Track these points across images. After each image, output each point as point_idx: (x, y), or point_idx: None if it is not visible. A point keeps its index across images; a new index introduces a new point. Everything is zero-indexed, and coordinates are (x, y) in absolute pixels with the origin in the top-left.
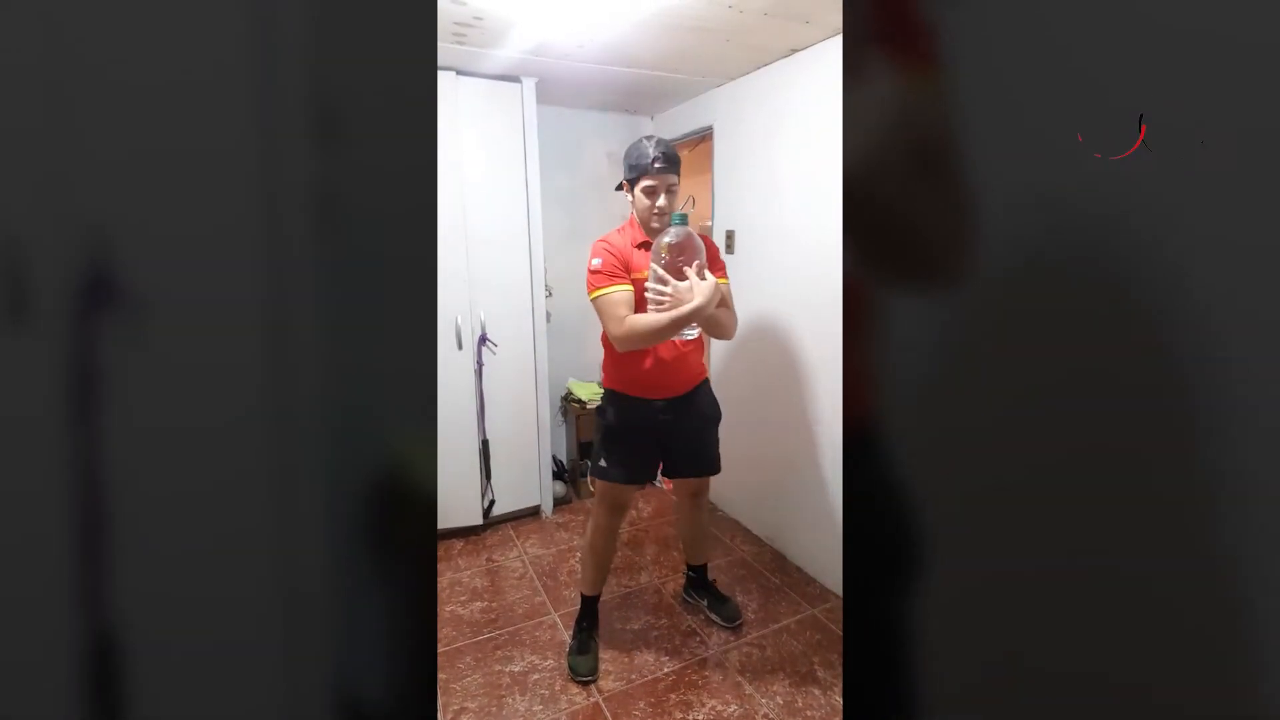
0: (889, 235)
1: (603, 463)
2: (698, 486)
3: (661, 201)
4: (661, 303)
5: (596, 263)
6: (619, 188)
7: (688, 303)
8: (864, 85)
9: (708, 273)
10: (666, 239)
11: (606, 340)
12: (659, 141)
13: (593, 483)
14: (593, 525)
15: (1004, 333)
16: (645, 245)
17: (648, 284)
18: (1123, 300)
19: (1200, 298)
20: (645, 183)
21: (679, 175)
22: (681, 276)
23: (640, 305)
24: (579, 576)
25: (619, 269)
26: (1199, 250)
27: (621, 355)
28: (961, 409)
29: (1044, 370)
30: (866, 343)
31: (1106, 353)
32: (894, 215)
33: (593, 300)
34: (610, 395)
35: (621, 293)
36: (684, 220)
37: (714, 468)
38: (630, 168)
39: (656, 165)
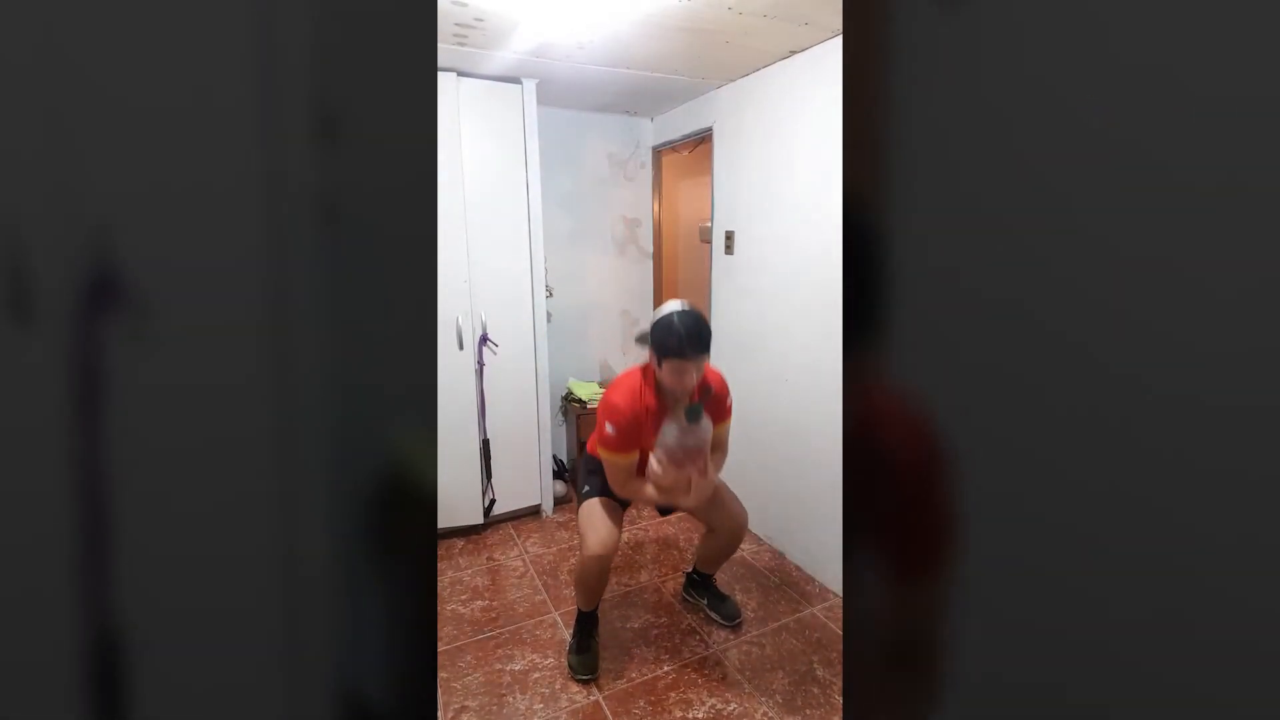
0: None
1: (586, 488)
2: (735, 525)
3: (689, 380)
4: (661, 483)
5: (610, 430)
6: (641, 340)
7: (685, 497)
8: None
9: (711, 471)
10: (676, 436)
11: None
12: (690, 319)
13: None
14: (580, 562)
15: None
16: (660, 410)
17: (652, 466)
18: None
19: None
20: (674, 364)
21: (709, 350)
22: (684, 467)
23: (644, 458)
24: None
25: (631, 439)
26: None
27: None
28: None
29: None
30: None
31: None
32: None
33: (601, 451)
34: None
35: (628, 461)
36: (697, 416)
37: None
38: (659, 346)
39: (688, 349)
